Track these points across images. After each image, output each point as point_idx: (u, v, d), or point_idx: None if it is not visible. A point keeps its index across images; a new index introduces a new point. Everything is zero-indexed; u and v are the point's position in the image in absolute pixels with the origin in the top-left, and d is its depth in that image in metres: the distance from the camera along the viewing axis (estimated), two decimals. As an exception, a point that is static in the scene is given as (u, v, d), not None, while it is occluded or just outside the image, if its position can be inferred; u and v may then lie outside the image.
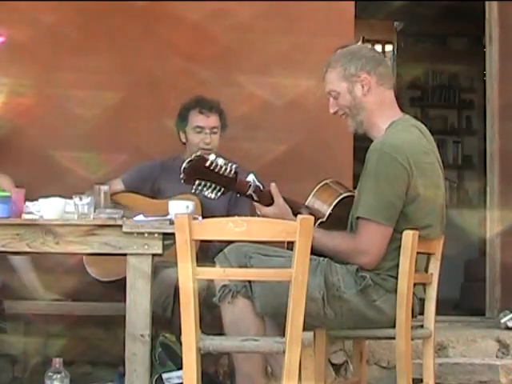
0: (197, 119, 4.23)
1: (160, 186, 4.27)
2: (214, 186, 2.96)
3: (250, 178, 3.10)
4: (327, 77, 3.23)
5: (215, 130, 4.24)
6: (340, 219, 3.18)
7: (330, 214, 3.21)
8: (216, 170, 2.94)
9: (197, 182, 2.94)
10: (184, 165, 2.92)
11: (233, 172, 2.97)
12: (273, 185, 3.16)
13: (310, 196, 3.28)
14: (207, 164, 2.93)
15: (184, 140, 4.29)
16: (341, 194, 3.27)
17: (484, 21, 5.39)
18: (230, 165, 2.97)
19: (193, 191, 2.97)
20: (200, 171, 2.93)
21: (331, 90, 3.22)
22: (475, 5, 5.66)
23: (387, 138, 3.08)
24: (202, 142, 4.21)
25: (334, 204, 3.23)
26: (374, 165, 3.02)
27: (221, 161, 2.95)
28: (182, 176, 2.93)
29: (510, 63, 5.27)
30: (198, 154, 2.98)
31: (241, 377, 3.07)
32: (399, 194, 3.01)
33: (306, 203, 3.27)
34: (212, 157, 2.95)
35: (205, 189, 2.96)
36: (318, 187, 3.30)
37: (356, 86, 3.17)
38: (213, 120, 4.24)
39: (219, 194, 2.99)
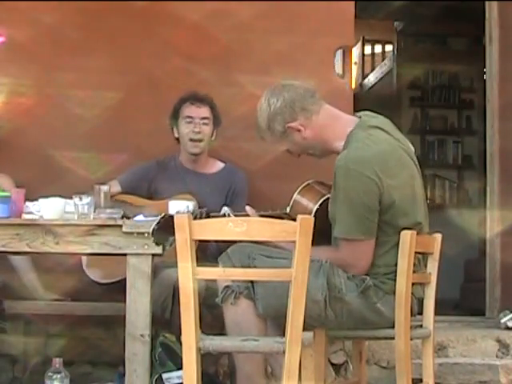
0: (187, 110, 4.27)
1: (157, 186, 4.27)
2: None
3: (224, 210, 3.13)
4: (268, 142, 3.24)
5: (206, 122, 4.25)
6: (324, 221, 3.16)
7: (314, 215, 3.20)
8: None
9: (170, 238, 2.96)
10: (153, 226, 2.94)
11: (204, 214, 3.01)
12: (247, 207, 3.20)
13: (293, 198, 3.28)
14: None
15: (177, 135, 4.30)
16: (324, 194, 3.25)
17: (484, 21, 5.38)
18: (199, 210, 3.03)
19: (166, 247, 3.00)
20: (170, 229, 2.91)
21: (281, 149, 3.25)
22: (475, 5, 5.66)
23: (350, 152, 3.03)
24: (192, 132, 4.23)
25: (317, 205, 3.22)
26: (342, 182, 3.00)
27: (190, 209, 2.98)
28: (152, 239, 2.96)
29: (510, 63, 5.26)
30: (163, 215, 2.98)
31: (242, 377, 3.07)
32: (372, 207, 2.99)
33: (289, 207, 3.27)
34: (181, 210, 2.97)
35: None
36: (299, 189, 3.30)
37: (292, 136, 3.17)
38: (203, 111, 4.26)
39: None
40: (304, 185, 3.32)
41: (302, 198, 3.28)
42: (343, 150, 3.08)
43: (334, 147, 3.17)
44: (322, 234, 3.13)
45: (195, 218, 2.95)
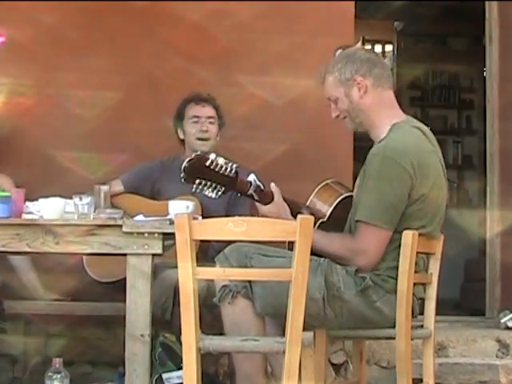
0: (193, 110, 4.26)
1: (160, 187, 4.26)
2: (214, 185, 2.95)
3: (251, 177, 3.09)
4: (325, 83, 3.26)
5: (212, 120, 4.25)
6: (341, 219, 3.18)
7: (330, 213, 3.22)
8: (216, 170, 2.93)
9: (197, 181, 2.93)
10: (184, 164, 2.91)
11: (233, 171, 2.96)
12: (272, 184, 3.18)
13: (311, 196, 3.29)
14: (207, 163, 2.92)
15: (182, 136, 4.29)
16: (342, 194, 3.28)
17: (484, 21, 5.39)
18: (230, 164, 2.96)
19: (193, 190, 2.97)
20: (200, 170, 2.92)
21: (330, 95, 3.25)
22: (475, 5, 5.66)
23: (389, 141, 3.08)
24: (199, 131, 4.22)
25: (334, 204, 3.24)
26: (376, 169, 3.03)
27: (221, 160, 2.95)
28: (182, 175, 2.92)
29: (510, 63, 5.27)
30: (199, 153, 2.97)
31: (241, 377, 3.06)
32: (401, 197, 3.02)
33: (307, 203, 3.27)
34: (212, 156, 2.94)
35: (205, 188, 2.95)
36: (318, 187, 3.31)
37: (352, 89, 3.19)
38: (208, 110, 4.26)
39: (220, 193, 2.98)
40: (322, 184, 3.33)
41: (318, 199, 3.29)
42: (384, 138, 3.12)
43: (374, 128, 3.19)
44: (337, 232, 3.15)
45: (225, 170, 2.94)
